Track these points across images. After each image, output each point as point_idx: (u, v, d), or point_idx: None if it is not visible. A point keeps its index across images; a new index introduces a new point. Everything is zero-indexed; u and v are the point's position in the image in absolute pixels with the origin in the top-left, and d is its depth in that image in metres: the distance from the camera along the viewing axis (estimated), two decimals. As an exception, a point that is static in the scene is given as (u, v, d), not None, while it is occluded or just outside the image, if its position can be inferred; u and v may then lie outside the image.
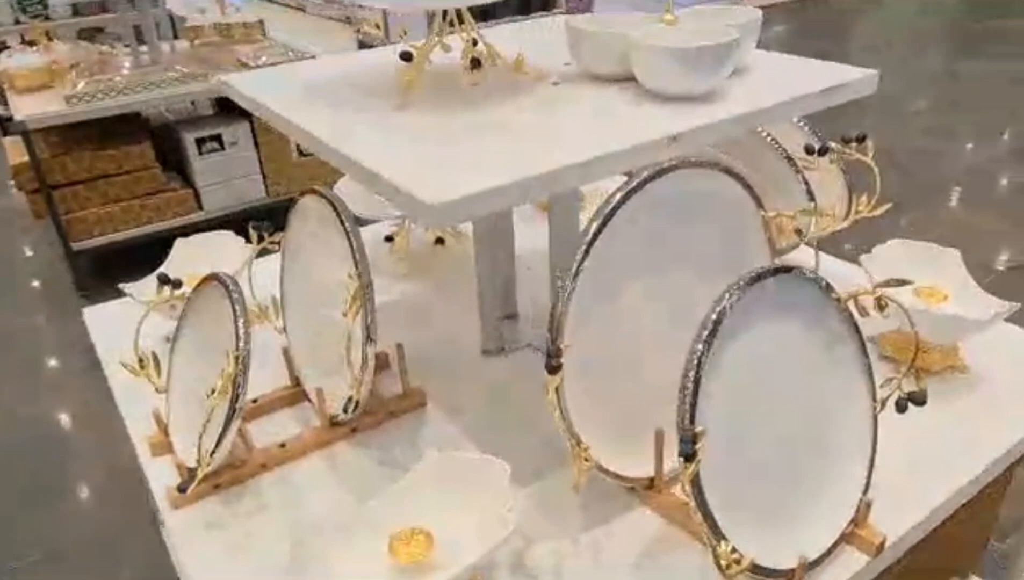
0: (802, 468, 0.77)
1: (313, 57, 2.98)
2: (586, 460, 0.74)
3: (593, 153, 0.71)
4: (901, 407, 0.80)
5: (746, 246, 0.86)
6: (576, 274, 0.71)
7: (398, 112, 0.86)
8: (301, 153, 3.10)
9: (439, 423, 1.00)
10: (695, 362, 0.66)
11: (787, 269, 0.74)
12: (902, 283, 0.81)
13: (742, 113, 0.82)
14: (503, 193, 0.66)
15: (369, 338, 0.86)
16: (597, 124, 0.81)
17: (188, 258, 1.23)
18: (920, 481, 0.86)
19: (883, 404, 0.81)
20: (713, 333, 0.67)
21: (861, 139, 0.94)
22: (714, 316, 0.68)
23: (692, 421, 0.65)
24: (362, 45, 3.36)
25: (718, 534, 0.67)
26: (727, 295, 0.69)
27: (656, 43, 0.83)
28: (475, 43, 0.96)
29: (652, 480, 0.84)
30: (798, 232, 0.87)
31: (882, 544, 0.78)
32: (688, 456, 0.63)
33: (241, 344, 0.84)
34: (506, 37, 1.12)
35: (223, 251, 1.24)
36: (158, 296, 0.98)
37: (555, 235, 1.10)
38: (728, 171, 0.81)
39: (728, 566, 0.66)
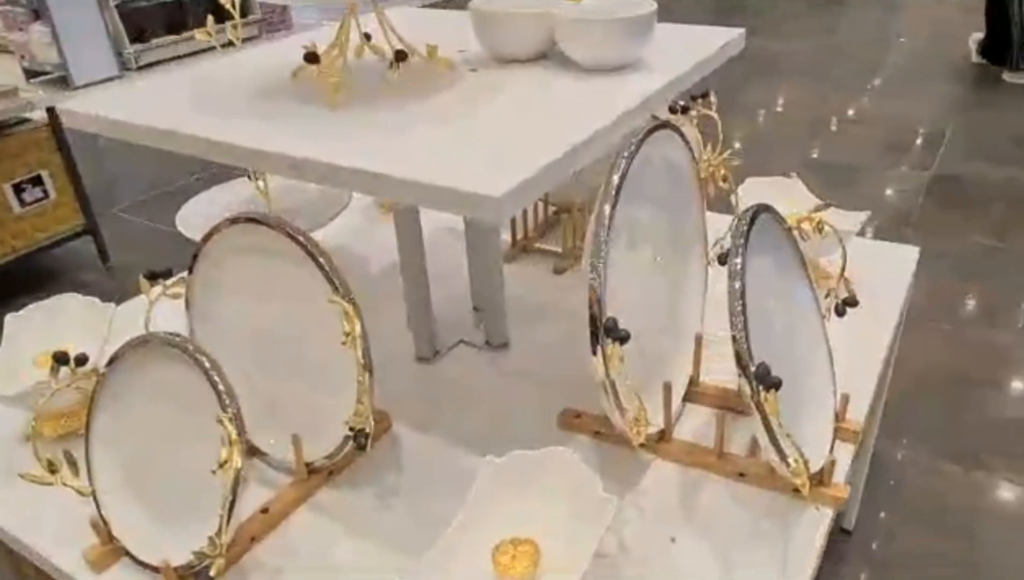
0: (798, 379, 0.86)
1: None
2: (642, 423, 0.76)
3: (602, 122, 0.72)
4: (840, 311, 0.93)
5: (688, 194, 0.93)
6: (607, 242, 0.72)
7: (341, 113, 0.79)
8: (23, 203, 2.62)
9: (412, 440, 0.95)
10: (740, 308, 0.71)
11: (766, 208, 0.81)
12: (827, 206, 0.93)
13: (675, 77, 0.87)
14: (553, 169, 0.65)
15: (367, 363, 0.78)
16: (572, 99, 0.82)
17: (30, 335, 1.02)
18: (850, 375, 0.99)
19: (829, 311, 0.92)
20: (743, 283, 0.72)
21: (705, 95, 1.03)
22: (739, 261, 0.73)
23: (752, 357, 0.70)
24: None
25: (783, 453, 0.73)
26: (740, 239, 0.74)
27: (591, 17, 0.85)
28: (369, 37, 0.90)
29: (663, 433, 0.88)
30: (724, 179, 0.95)
31: (858, 432, 0.90)
32: (776, 385, 0.67)
33: (228, 402, 0.72)
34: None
35: (69, 317, 1.04)
36: (55, 382, 0.80)
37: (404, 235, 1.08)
38: (677, 130, 0.87)
39: (798, 474, 0.73)
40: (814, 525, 0.79)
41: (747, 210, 0.79)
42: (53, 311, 1.04)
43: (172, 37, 4.95)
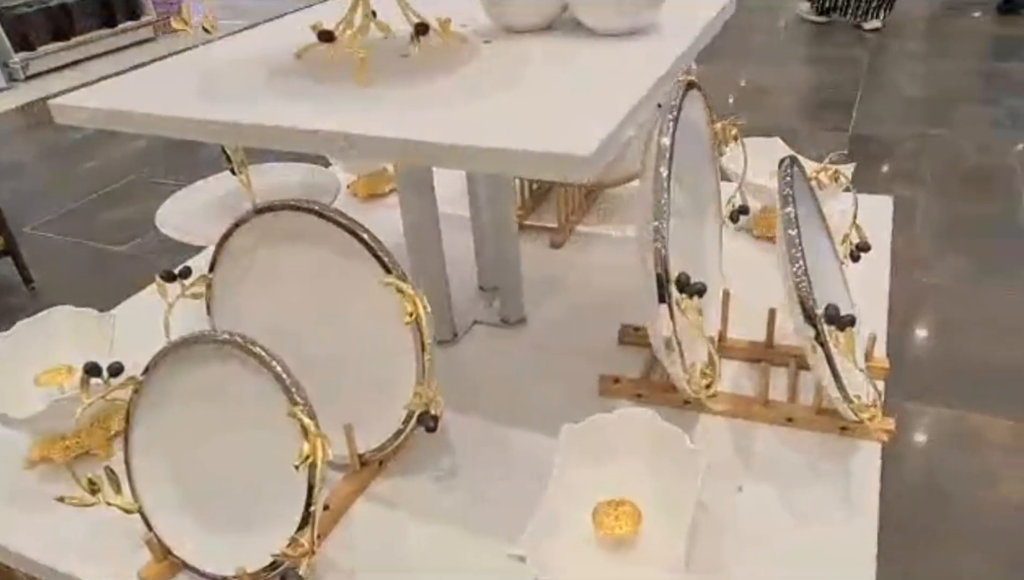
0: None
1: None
2: (709, 377, 0.77)
3: (648, 82, 0.73)
4: (855, 257, 0.97)
5: (706, 153, 0.94)
6: (668, 204, 0.72)
7: (373, 89, 0.77)
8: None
9: (453, 422, 0.93)
10: (799, 255, 0.73)
11: (794, 160, 0.84)
12: (848, 160, 0.96)
13: (691, 42, 0.88)
14: (623, 127, 0.64)
15: (424, 343, 0.76)
16: (605, 63, 0.81)
17: (24, 353, 0.94)
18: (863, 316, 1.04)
19: (845, 257, 0.96)
20: (798, 230, 0.74)
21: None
22: (791, 210, 0.75)
23: (815, 303, 0.72)
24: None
25: (846, 391, 0.76)
26: (788, 189, 0.76)
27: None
28: (374, 14, 0.88)
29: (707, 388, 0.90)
30: (735, 138, 0.98)
31: (886, 369, 0.94)
32: (850, 322, 0.69)
33: (298, 395, 0.69)
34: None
35: (62, 330, 0.98)
36: (87, 395, 0.75)
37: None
38: (702, 90, 0.88)
39: (862, 410, 0.76)
40: (867, 460, 0.83)
41: (784, 161, 0.81)
42: (44, 326, 0.97)
43: (61, 44, 4.65)
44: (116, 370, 0.76)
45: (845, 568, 0.72)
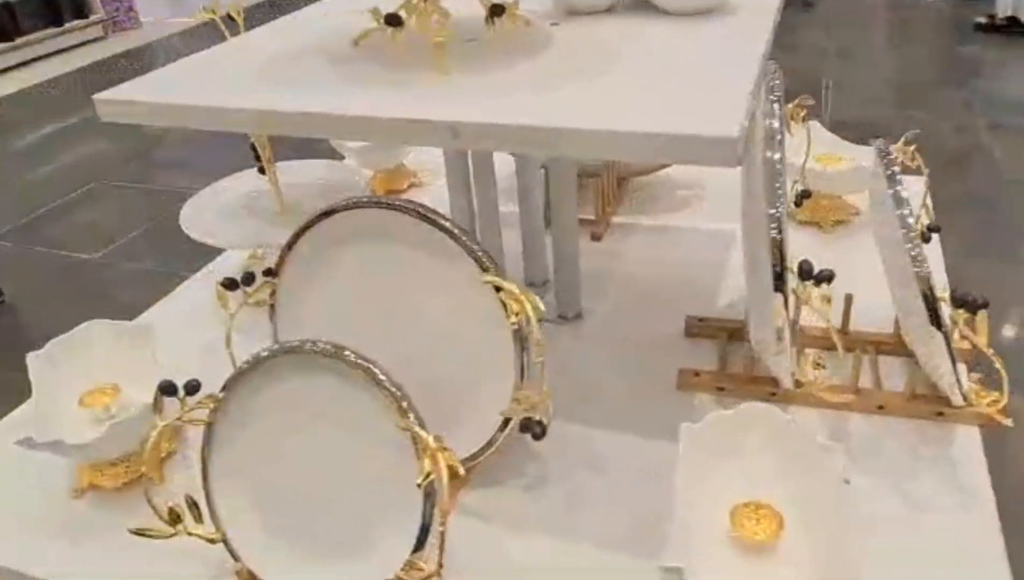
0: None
1: None
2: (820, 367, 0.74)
3: (758, 54, 0.69)
4: (927, 238, 0.95)
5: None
6: (783, 187, 0.69)
7: (455, 76, 0.72)
8: None
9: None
10: (915, 235, 0.71)
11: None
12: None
13: (774, 19, 0.85)
14: (752, 107, 0.61)
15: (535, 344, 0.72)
16: (695, 44, 0.78)
17: (63, 373, 0.87)
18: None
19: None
20: (910, 208, 0.72)
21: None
22: (903, 189, 0.72)
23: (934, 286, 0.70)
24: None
25: (958, 377, 0.74)
26: (892, 168, 0.74)
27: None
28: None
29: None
30: (805, 119, 0.95)
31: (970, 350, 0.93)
32: (984, 305, 0.67)
33: (409, 407, 0.63)
34: None
35: (101, 347, 0.90)
36: (160, 418, 0.69)
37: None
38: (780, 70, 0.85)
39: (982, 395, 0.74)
40: (969, 446, 0.81)
41: (879, 142, 0.78)
42: (78, 342, 0.89)
43: (5, 44, 4.43)
44: (193, 388, 0.69)
45: (974, 558, 0.70)
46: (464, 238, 0.71)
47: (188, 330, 1.05)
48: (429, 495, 0.63)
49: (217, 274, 1.22)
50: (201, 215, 1.13)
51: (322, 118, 0.66)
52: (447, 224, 0.72)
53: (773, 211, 0.68)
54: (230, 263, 1.25)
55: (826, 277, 0.68)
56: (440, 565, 0.60)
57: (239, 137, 1.03)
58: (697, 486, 0.65)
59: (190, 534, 0.69)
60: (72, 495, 0.83)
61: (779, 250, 0.69)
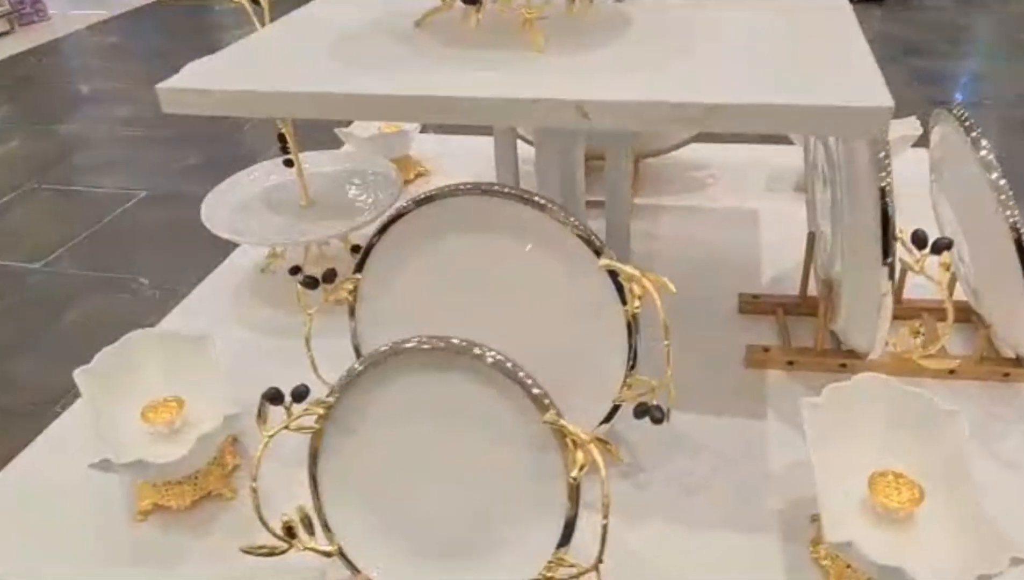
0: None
1: None
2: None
3: (855, 29, 0.69)
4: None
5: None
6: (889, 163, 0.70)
7: (551, 54, 0.69)
8: None
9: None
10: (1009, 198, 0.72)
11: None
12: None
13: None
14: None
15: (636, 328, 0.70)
16: (765, 16, 0.77)
17: (114, 388, 0.80)
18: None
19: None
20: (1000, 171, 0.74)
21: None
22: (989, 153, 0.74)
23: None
24: None
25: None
26: (976, 132, 0.76)
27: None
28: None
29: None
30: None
31: None
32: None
33: (548, 402, 0.61)
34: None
35: (148, 356, 0.84)
36: (265, 428, 0.64)
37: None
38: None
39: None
40: (1042, 402, 0.84)
41: (956, 105, 0.80)
42: (126, 354, 0.83)
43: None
44: (300, 394, 0.65)
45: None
46: (576, 223, 0.69)
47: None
48: (575, 488, 0.60)
49: (227, 275, 1.16)
50: (225, 212, 1.06)
51: (428, 101, 0.62)
52: (558, 210, 0.69)
53: (883, 184, 0.69)
54: (244, 262, 1.18)
55: (945, 245, 0.69)
56: (600, 560, 0.58)
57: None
58: (829, 459, 0.65)
59: (306, 549, 0.64)
60: (136, 519, 0.77)
61: (889, 221, 0.69)
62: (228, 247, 1.18)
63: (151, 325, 0.96)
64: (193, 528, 0.76)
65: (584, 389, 0.73)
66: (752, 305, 1.01)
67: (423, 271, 0.75)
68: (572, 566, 0.60)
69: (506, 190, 0.71)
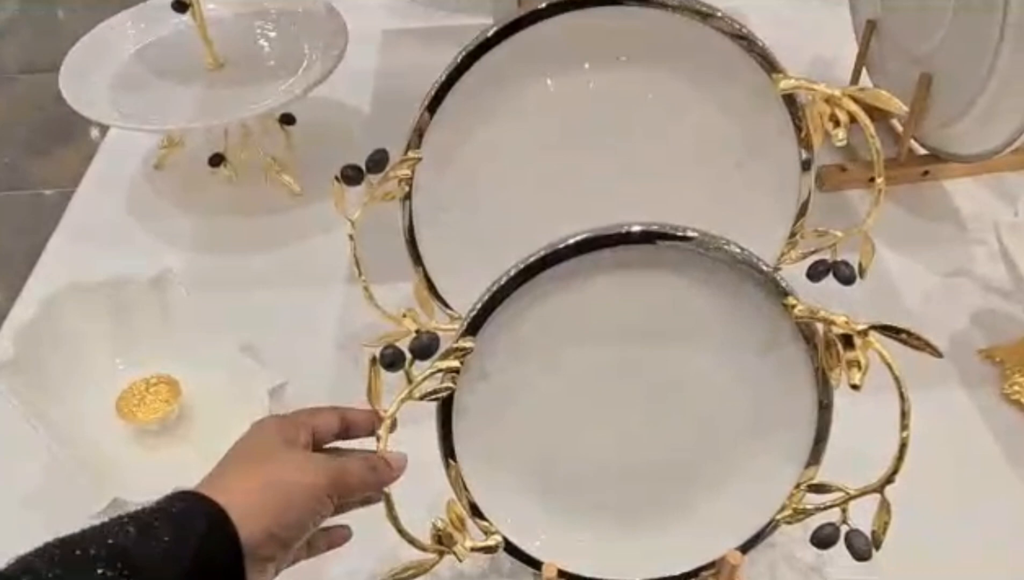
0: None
1: None
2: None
3: None
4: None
5: None
6: None
7: None
8: None
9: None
10: None
11: None
12: None
13: None
14: None
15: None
16: None
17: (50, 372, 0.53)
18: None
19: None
20: None
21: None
22: None
23: None
24: None
25: None
26: None
27: None
28: None
29: None
30: None
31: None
32: None
33: (790, 290, 0.43)
34: None
35: (98, 322, 0.56)
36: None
37: None
38: None
39: None
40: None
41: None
42: (54, 326, 0.54)
43: None
44: (426, 349, 0.43)
45: None
46: (742, 31, 0.49)
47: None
48: (828, 392, 0.45)
49: (107, 182, 0.84)
50: (92, 84, 0.73)
51: None
52: (709, 11, 0.49)
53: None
54: (123, 158, 0.86)
55: None
56: (891, 480, 0.44)
57: None
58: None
59: (472, 551, 0.45)
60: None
61: None
62: (75, 137, 0.84)
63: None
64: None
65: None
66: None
67: (506, 135, 0.52)
68: (835, 490, 0.46)
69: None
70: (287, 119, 0.83)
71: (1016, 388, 0.59)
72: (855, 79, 0.84)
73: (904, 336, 0.41)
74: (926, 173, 0.79)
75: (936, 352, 0.41)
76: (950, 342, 0.64)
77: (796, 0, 1.05)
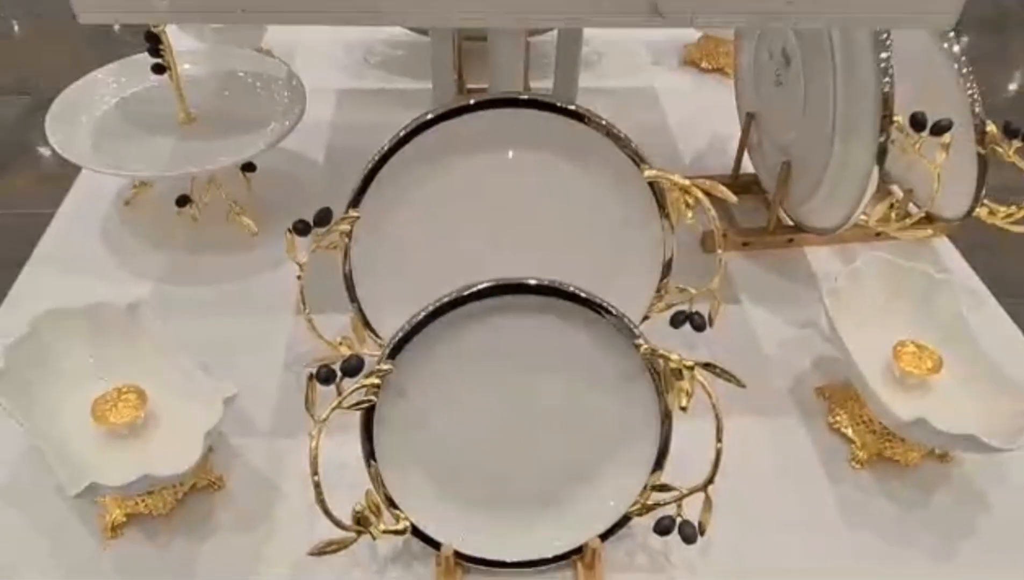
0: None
1: None
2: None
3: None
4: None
5: None
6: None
7: None
8: None
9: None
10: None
11: None
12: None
13: None
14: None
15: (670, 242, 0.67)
16: None
17: (40, 384, 0.63)
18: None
19: None
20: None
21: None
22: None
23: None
24: None
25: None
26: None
27: None
28: None
29: None
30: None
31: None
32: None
33: (639, 334, 0.57)
34: None
35: (64, 339, 0.67)
36: (316, 412, 0.55)
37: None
38: None
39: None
40: (949, 249, 0.94)
41: None
42: (40, 344, 0.65)
43: None
44: (353, 368, 0.54)
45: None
46: (617, 133, 0.63)
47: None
48: (667, 417, 0.58)
49: (82, 216, 0.94)
50: (74, 131, 0.84)
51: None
52: (594, 118, 0.62)
53: (884, 65, 0.70)
54: (95, 196, 0.96)
55: (945, 127, 0.72)
56: (711, 481, 0.57)
57: None
58: (852, 335, 0.69)
59: (385, 532, 0.57)
60: (106, 537, 0.63)
61: (888, 100, 0.71)
62: (43, 175, 0.94)
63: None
64: (189, 530, 0.64)
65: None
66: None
67: (432, 199, 0.65)
68: (671, 490, 0.59)
69: (525, 99, 0.62)
70: (248, 166, 0.94)
71: (838, 419, 0.73)
72: (737, 161, 1.00)
73: (718, 370, 0.55)
74: (791, 241, 0.94)
75: (739, 383, 0.54)
76: (794, 381, 0.79)
77: (698, 81, 1.23)
